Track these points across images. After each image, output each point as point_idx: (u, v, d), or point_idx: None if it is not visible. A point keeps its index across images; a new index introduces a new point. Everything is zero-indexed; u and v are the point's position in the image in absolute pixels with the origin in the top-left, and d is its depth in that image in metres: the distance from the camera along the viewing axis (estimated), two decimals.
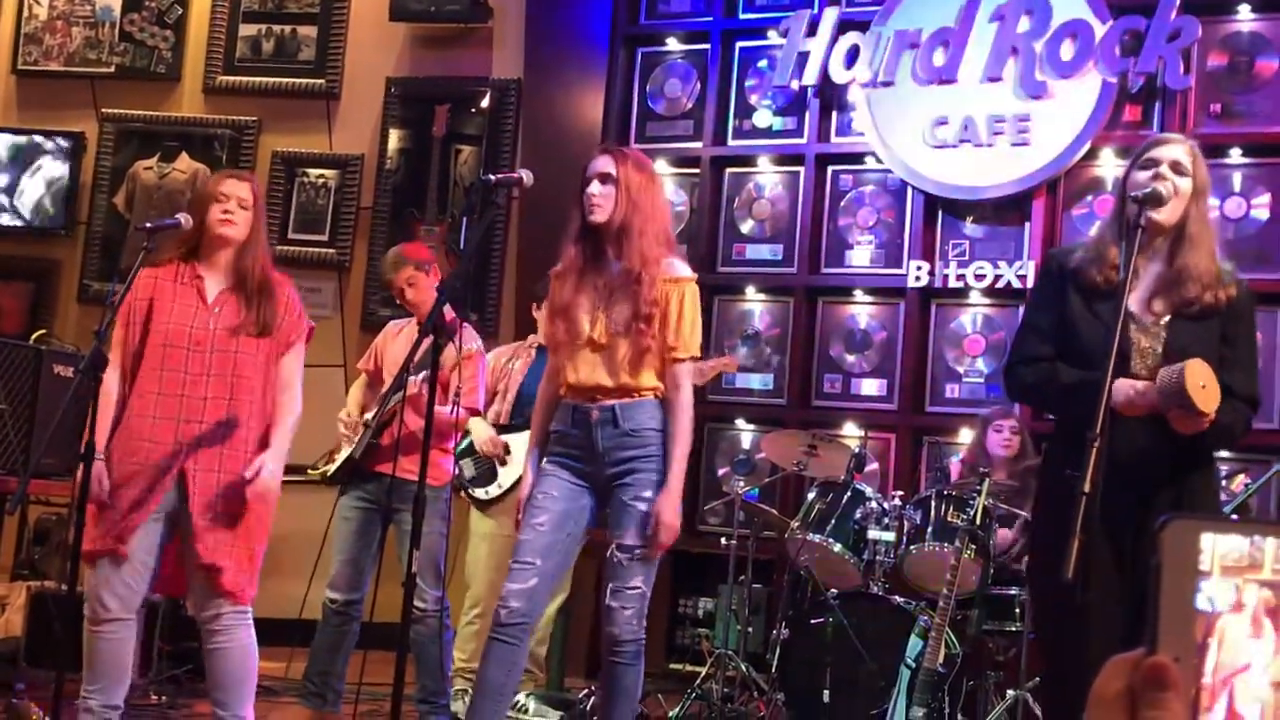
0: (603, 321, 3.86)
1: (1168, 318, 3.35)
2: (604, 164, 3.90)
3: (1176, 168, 3.36)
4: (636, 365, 3.85)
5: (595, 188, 3.87)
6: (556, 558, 3.88)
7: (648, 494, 3.83)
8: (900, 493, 5.83)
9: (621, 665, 3.85)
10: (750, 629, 6.05)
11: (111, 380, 4.02)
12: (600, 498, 3.95)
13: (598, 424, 3.85)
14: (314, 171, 8.10)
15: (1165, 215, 3.32)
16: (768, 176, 7.81)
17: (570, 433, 3.91)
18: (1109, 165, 7.05)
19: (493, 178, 3.89)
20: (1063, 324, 3.42)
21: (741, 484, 6.38)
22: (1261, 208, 6.76)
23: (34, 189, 8.32)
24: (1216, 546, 0.71)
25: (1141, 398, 3.21)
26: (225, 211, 4.11)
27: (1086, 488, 2.87)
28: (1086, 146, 6.97)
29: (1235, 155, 6.72)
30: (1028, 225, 7.15)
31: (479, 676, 3.86)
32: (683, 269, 3.98)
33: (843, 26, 7.47)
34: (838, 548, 5.45)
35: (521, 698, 5.76)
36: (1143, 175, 3.36)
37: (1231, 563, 0.71)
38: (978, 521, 5.00)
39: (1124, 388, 3.21)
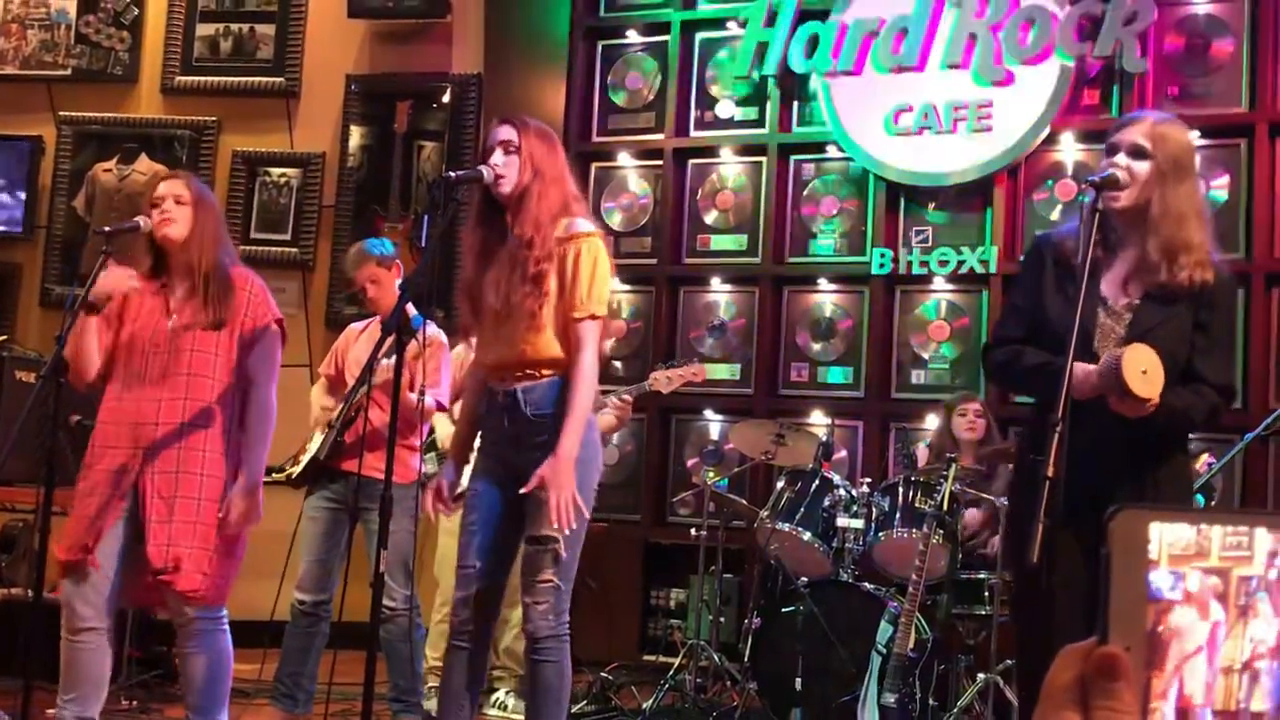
0: (503, 291, 3.69)
1: (1138, 300, 3.33)
2: (506, 133, 3.75)
3: (1134, 151, 3.34)
4: (532, 332, 3.64)
5: (499, 157, 3.70)
6: (497, 553, 3.72)
7: None
8: (868, 479, 5.85)
9: (541, 663, 3.67)
10: (722, 619, 6.07)
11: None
12: (518, 483, 3.69)
13: (505, 409, 3.70)
14: (275, 170, 8.05)
15: (1125, 200, 3.29)
16: (730, 167, 7.83)
17: (487, 418, 3.78)
18: (1069, 149, 7.09)
19: (455, 174, 3.82)
20: (1039, 307, 3.41)
21: (711, 474, 6.40)
22: (1220, 189, 6.81)
23: None
24: (1164, 536, 0.72)
25: (1086, 381, 3.15)
26: (163, 213, 4.08)
27: (1049, 472, 2.87)
28: (1046, 131, 7.01)
29: (1193, 137, 6.73)
30: (990, 211, 7.19)
31: (443, 681, 3.76)
32: (583, 225, 3.74)
33: (802, 16, 7.49)
34: (807, 536, 5.47)
35: (501, 694, 5.76)
36: (1104, 161, 3.37)
37: (1179, 551, 0.72)
38: (945, 507, 5.03)
39: (1077, 372, 3.11)
